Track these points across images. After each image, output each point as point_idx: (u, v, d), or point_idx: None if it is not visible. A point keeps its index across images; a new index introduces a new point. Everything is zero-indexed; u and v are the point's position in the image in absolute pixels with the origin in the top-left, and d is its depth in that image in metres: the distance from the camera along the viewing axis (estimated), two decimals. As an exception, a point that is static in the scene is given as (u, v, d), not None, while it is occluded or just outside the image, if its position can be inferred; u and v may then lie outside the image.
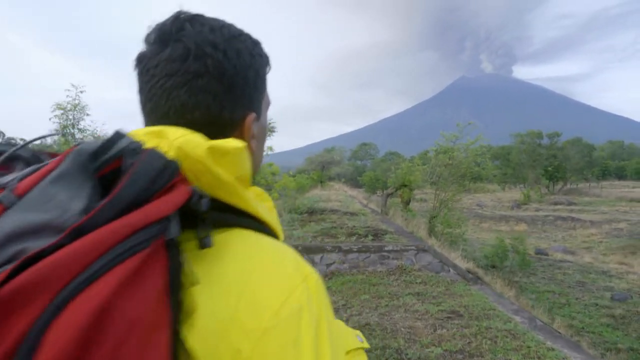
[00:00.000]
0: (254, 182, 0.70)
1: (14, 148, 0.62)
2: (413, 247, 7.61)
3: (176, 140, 0.57)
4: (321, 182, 38.51)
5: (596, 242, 23.18)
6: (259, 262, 0.56)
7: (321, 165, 42.63)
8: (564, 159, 51.54)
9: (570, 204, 39.51)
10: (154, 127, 0.62)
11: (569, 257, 18.75)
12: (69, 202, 0.48)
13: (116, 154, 0.52)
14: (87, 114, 8.49)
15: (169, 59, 0.66)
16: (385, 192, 17.85)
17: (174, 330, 0.48)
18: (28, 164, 0.61)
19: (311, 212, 13.16)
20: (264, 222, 0.63)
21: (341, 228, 9.54)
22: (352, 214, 12.55)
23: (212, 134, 0.66)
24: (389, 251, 7.54)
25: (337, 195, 21.88)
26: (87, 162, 0.51)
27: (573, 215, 31.16)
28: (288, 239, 8.62)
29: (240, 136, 0.72)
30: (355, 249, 7.57)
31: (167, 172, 0.51)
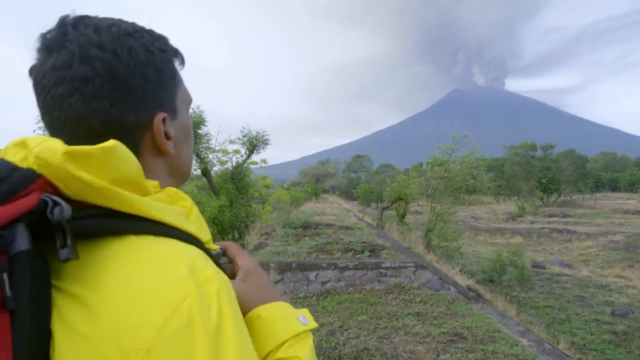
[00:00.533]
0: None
1: None
2: (411, 264, 7.33)
3: (34, 149, 0.54)
4: (315, 194, 38.33)
5: (593, 254, 23.08)
6: (142, 274, 0.51)
7: (315, 178, 42.53)
8: (558, 170, 51.74)
9: (565, 216, 39.53)
10: (19, 139, 0.58)
11: (566, 271, 18.56)
12: None
13: None
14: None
15: (55, 68, 0.61)
16: (380, 205, 17.62)
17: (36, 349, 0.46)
18: None
19: (306, 226, 12.89)
20: (168, 225, 0.57)
21: (337, 243, 9.26)
22: (347, 228, 12.29)
23: (121, 142, 0.61)
24: (386, 268, 7.26)
25: (332, 208, 21.64)
26: None
27: (568, 227, 31.13)
28: (282, 255, 8.34)
29: (152, 139, 0.67)
30: (351, 266, 7.28)
31: (7, 182, 0.49)
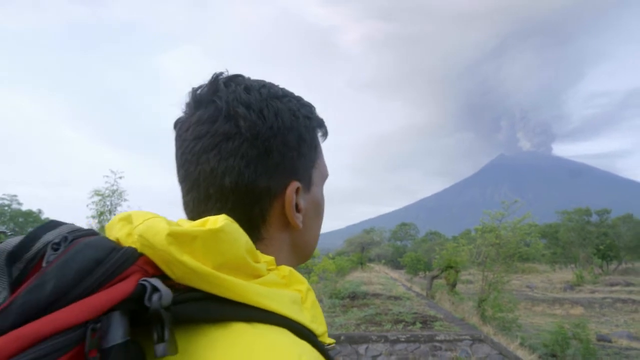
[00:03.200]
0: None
1: None
2: (467, 337, 6.95)
3: (137, 228, 0.50)
4: (361, 263, 37.71)
5: (662, 326, 21.40)
6: None
7: (361, 247, 42.06)
8: (616, 236, 49.18)
9: (628, 284, 37.12)
10: (125, 213, 0.55)
11: (635, 344, 17.18)
12: None
13: (38, 254, 0.46)
14: (125, 199, 8.54)
15: (199, 121, 0.62)
16: (429, 273, 17.10)
17: None
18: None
19: (353, 296, 12.59)
20: (277, 313, 0.51)
21: (386, 314, 8.94)
22: (396, 297, 11.91)
23: (247, 205, 0.62)
24: (440, 341, 6.90)
25: (379, 277, 21.19)
26: (4, 266, 0.45)
27: (633, 297, 29.25)
28: (329, 327, 8.10)
29: (281, 209, 0.64)
30: (403, 339, 6.98)
31: (103, 267, 0.44)
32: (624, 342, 17.36)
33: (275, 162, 0.62)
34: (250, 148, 0.61)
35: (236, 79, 0.65)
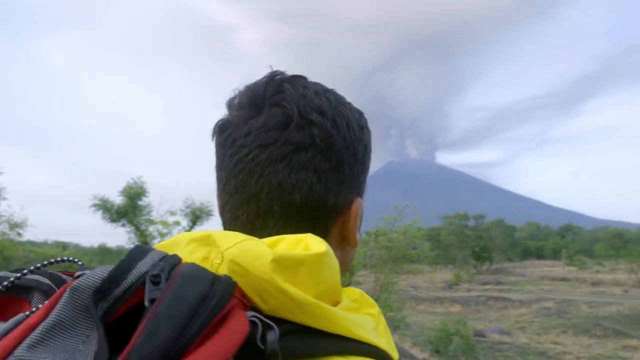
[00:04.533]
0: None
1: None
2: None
3: (228, 251, 0.43)
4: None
5: (528, 321, 23.75)
6: None
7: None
8: (489, 239, 53.93)
9: (498, 283, 40.80)
10: (201, 232, 0.47)
11: (506, 339, 18.89)
12: None
13: (130, 289, 0.38)
14: (4, 198, 7.66)
15: (264, 127, 0.54)
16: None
17: None
18: (46, 296, 0.45)
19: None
20: (365, 342, 0.45)
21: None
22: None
23: (313, 222, 0.56)
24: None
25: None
26: (89, 304, 0.36)
27: (503, 295, 32.07)
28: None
29: (341, 225, 0.59)
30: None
31: (210, 303, 0.37)
32: (496, 337, 19.03)
33: (345, 176, 0.57)
34: (323, 160, 0.55)
35: (301, 80, 0.58)
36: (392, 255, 16.05)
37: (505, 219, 66.42)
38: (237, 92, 0.59)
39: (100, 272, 0.38)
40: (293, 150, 0.54)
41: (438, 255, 55.09)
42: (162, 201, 13.16)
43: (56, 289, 0.44)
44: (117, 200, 12.37)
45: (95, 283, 0.37)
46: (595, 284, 37.75)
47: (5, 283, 0.44)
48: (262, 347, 0.38)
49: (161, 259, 0.41)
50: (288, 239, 0.47)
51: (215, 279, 0.40)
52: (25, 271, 0.45)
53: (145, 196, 12.64)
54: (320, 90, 0.58)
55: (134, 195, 12.33)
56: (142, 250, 0.41)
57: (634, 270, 39.46)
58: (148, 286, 0.37)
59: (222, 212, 0.60)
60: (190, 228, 13.67)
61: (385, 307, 14.73)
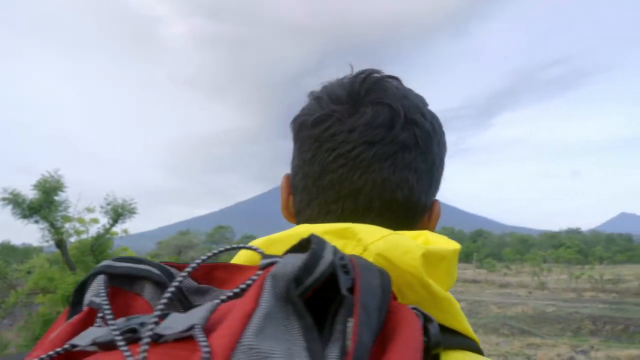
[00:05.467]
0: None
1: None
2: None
3: (374, 244, 0.43)
4: (177, 267, 36.28)
5: (443, 322, 24.92)
6: None
7: (178, 250, 40.43)
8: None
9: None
10: (337, 225, 0.47)
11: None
12: None
13: (322, 276, 0.35)
14: None
15: (371, 125, 0.54)
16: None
17: None
18: (158, 286, 0.43)
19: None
20: (473, 339, 0.47)
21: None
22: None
23: (407, 221, 0.56)
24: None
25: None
26: (287, 293, 0.34)
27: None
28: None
29: (423, 226, 0.59)
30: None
31: (388, 295, 0.37)
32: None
33: (434, 178, 0.59)
34: (422, 162, 0.56)
35: (396, 80, 0.58)
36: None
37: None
38: (322, 86, 0.59)
39: (292, 260, 0.36)
40: (398, 150, 0.54)
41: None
42: (80, 197, 12.38)
43: (166, 279, 0.42)
44: (30, 194, 11.47)
45: (292, 272, 0.35)
46: (502, 285, 40.28)
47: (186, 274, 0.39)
48: (425, 338, 0.37)
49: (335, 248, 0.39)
50: (409, 233, 0.47)
51: (381, 271, 0.38)
52: (204, 258, 0.41)
53: (62, 191, 11.82)
54: (414, 92, 0.59)
55: (50, 189, 11.47)
56: (322, 241, 0.38)
57: (536, 273, 42.75)
58: (341, 275, 0.35)
59: (306, 206, 0.59)
60: (111, 226, 13.03)
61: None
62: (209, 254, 0.41)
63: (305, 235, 0.42)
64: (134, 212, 13.12)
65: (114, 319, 0.36)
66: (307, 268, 0.35)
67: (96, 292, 0.39)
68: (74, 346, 0.35)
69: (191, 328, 0.32)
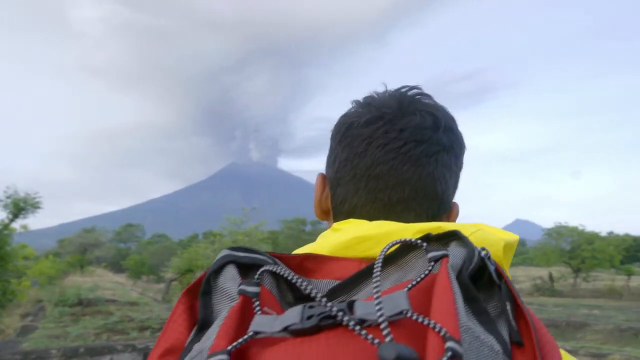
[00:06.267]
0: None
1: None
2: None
3: (473, 235, 0.50)
4: (81, 266, 34.01)
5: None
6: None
7: (82, 248, 37.84)
8: (324, 244, 56.99)
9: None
10: (429, 224, 0.53)
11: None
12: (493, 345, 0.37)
13: (476, 266, 0.42)
14: None
15: (420, 127, 0.63)
16: (168, 277, 16.62)
17: None
18: (272, 275, 0.46)
19: (85, 303, 11.23)
20: None
21: (129, 321, 8.32)
22: (133, 303, 11.20)
23: (437, 213, 0.65)
24: (191, 346, 6.80)
25: (104, 282, 19.52)
26: (464, 280, 0.40)
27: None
28: (63, 339, 7.07)
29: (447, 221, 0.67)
30: (152, 347, 6.61)
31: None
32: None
33: (458, 180, 0.68)
34: (454, 164, 0.66)
35: (429, 96, 0.68)
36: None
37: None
38: (367, 96, 0.69)
39: (457, 252, 0.42)
40: (440, 150, 0.64)
41: (276, 258, 56.39)
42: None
43: (281, 269, 0.45)
44: None
45: (459, 263, 0.41)
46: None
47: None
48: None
49: None
50: (468, 226, 0.53)
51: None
52: (398, 242, 0.45)
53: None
54: (445, 107, 0.69)
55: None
56: (462, 235, 0.44)
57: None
58: (490, 265, 0.42)
59: (353, 195, 0.66)
60: (10, 221, 12.03)
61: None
62: (393, 242, 0.45)
63: (396, 233, 0.52)
64: (38, 207, 12.20)
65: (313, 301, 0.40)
66: (470, 260, 0.41)
67: (236, 281, 0.43)
68: (257, 333, 0.38)
69: (401, 312, 0.36)
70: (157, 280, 39.54)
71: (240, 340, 0.37)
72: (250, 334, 0.37)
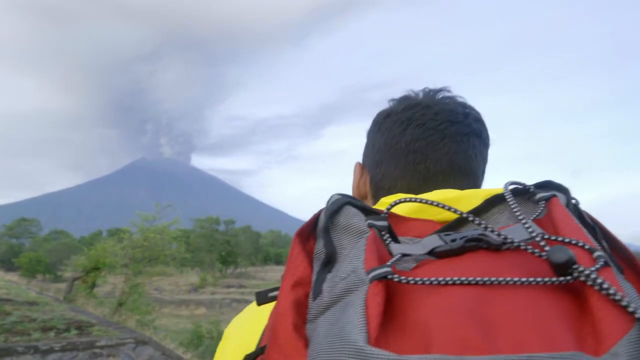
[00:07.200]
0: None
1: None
2: (131, 340, 6.72)
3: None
4: (-35, 263, 30.88)
5: (268, 322, 25.58)
6: None
7: (-32, 243, 34.38)
8: (236, 244, 56.28)
9: (241, 286, 42.95)
10: (490, 189, 0.57)
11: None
12: None
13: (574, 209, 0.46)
14: None
15: (453, 111, 0.71)
16: (71, 275, 15.54)
17: None
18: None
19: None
20: None
21: (30, 322, 7.67)
22: (31, 303, 10.34)
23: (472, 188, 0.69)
24: (101, 347, 6.42)
25: (-6, 279, 17.84)
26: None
27: (245, 297, 33.87)
28: (-49, 341, 6.35)
29: None
30: (57, 348, 6.17)
31: None
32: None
33: (484, 169, 0.75)
34: (484, 150, 0.74)
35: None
36: (146, 255, 15.38)
37: (253, 226, 70.52)
38: (408, 91, 0.76)
39: (560, 195, 0.46)
40: (471, 132, 0.71)
41: (187, 258, 54.97)
42: None
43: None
44: None
45: (565, 202, 0.46)
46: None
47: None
48: None
49: None
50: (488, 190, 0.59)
51: None
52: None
53: None
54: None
55: None
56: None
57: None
58: (583, 211, 0.46)
59: (394, 169, 0.72)
60: None
61: (134, 310, 14.01)
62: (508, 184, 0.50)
63: (467, 197, 0.56)
64: None
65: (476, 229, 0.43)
66: (569, 201, 0.46)
67: (360, 218, 0.44)
68: (404, 255, 0.40)
69: (533, 237, 0.38)
70: (54, 280, 37.03)
71: (393, 259, 0.38)
72: (398, 255, 0.39)
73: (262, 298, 0.51)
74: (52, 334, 6.88)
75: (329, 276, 0.40)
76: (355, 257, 0.39)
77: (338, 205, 0.46)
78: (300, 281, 0.41)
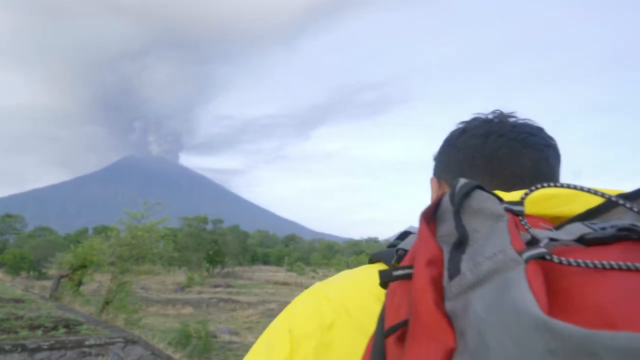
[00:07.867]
0: None
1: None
2: (120, 339, 6.68)
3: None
4: (-52, 259, 30.39)
5: (255, 322, 25.35)
6: None
7: (-50, 239, 33.84)
8: (224, 244, 56.03)
9: (228, 286, 42.63)
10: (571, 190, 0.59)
11: (235, 338, 19.80)
12: None
13: None
14: None
15: (529, 126, 0.75)
16: (58, 272, 15.35)
17: None
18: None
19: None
20: None
21: (17, 319, 7.59)
22: (18, 300, 10.24)
23: None
24: (90, 346, 6.38)
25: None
26: None
27: (232, 297, 33.60)
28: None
29: None
30: (45, 346, 6.12)
31: None
32: (227, 337, 19.78)
33: (558, 176, 0.78)
34: (559, 161, 0.77)
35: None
36: (133, 253, 15.26)
37: (240, 225, 70.31)
38: (477, 113, 0.80)
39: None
40: (547, 145, 0.75)
41: (174, 257, 54.55)
42: None
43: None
44: None
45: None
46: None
47: None
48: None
49: None
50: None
51: None
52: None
53: None
54: None
55: None
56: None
57: (341, 277, 46.33)
58: None
59: (479, 175, 0.75)
60: None
61: (121, 308, 13.89)
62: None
63: (582, 195, 0.54)
64: None
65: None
66: None
67: (494, 201, 0.44)
68: (552, 240, 0.40)
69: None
70: (39, 277, 36.61)
71: (544, 242, 0.38)
72: (546, 241, 0.39)
73: (387, 276, 0.48)
74: (39, 332, 6.82)
75: (464, 257, 0.40)
76: (499, 238, 0.39)
77: (468, 188, 0.45)
78: (433, 260, 0.41)
